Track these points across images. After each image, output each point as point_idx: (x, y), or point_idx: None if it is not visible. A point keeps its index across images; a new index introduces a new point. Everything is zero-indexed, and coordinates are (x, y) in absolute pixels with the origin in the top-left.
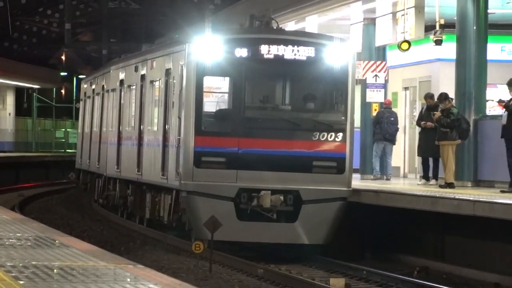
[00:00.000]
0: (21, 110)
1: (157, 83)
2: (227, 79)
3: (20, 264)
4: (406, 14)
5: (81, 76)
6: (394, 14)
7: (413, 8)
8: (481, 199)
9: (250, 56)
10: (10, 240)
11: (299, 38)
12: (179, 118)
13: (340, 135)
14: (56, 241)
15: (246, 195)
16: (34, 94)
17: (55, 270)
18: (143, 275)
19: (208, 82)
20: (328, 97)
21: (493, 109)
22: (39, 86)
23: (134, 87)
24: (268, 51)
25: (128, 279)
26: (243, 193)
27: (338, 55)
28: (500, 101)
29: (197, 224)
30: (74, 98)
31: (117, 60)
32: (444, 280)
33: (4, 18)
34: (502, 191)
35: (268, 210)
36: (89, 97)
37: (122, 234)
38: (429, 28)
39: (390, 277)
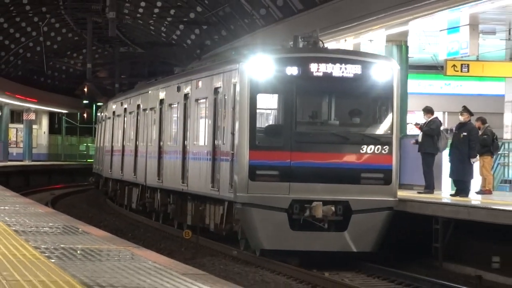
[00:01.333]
0: (53, 129)
1: (203, 101)
2: (279, 96)
3: (52, 247)
4: None
5: (99, 104)
6: None
7: None
8: (403, 199)
9: (300, 74)
10: (44, 228)
11: (346, 57)
12: (233, 133)
13: (387, 147)
14: (79, 229)
15: (298, 206)
16: (63, 117)
17: (78, 251)
18: (144, 255)
19: (261, 99)
20: (375, 111)
21: (412, 130)
22: (67, 111)
23: (176, 105)
24: (318, 69)
25: (133, 258)
26: (295, 204)
27: (384, 72)
28: (416, 124)
29: (252, 233)
30: (94, 120)
31: (154, 82)
32: None
33: (40, 59)
34: (419, 192)
35: (320, 220)
36: (119, 115)
37: (129, 224)
38: None
39: None
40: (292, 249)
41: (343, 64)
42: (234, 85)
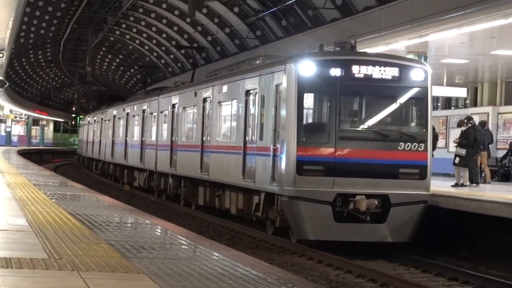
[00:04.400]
0: (55, 129)
1: (228, 103)
2: (323, 95)
3: (53, 193)
4: None
5: (80, 116)
6: None
7: None
8: None
9: (343, 75)
10: (49, 183)
11: (385, 60)
12: (275, 131)
13: (422, 145)
14: (69, 184)
15: (341, 199)
16: (61, 123)
17: (67, 196)
18: (103, 199)
19: (307, 98)
20: (411, 111)
21: None
22: (63, 120)
23: (191, 108)
24: (359, 70)
25: (95, 199)
26: (339, 198)
27: (419, 74)
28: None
29: (298, 225)
30: (78, 125)
31: (161, 91)
32: None
33: (49, 92)
34: None
35: (363, 213)
36: (119, 118)
37: (96, 182)
38: None
39: None
40: (335, 240)
41: (382, 67)
42: (277, 86)
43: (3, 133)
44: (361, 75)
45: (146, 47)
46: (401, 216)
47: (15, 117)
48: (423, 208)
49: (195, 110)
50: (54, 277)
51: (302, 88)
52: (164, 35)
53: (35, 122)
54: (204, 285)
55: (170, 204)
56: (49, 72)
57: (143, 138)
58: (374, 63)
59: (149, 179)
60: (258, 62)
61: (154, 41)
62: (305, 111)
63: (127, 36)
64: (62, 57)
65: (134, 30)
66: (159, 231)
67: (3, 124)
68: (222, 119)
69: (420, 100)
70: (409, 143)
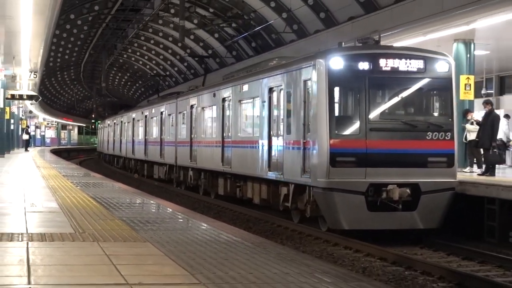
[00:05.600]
0: (79, 132)
1: (249, 101)
2: (353, 88)
3: (78, 182)
4: None
5: (98, 121)
6: None
7: None
8: None
9: (371, 68)
10: (75, 174)
11: (410, 53)
12: (305, 124)
13: (449, 134)
14: (91, 174)
15: (374, 189)
16: (84, 127)
17: (90, 184)
18: (117, 185)
19: (337, 91)
20: (437, 101)
21: None
22: (85, 124)
23: (210, 108)
24: (386, 63)
25: (113, 186)
26: (371, 188)
27: (443, 66)
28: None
29: (332, 215)
30: (97, 128)
31: (176, 95)
32: None
33: (73, 103)
34: None
35: (395, 202)
36: (138, 120)
37: (112, 172)
38: None
39: None
40: (369, 229)
41: (408, 60)
42: (305, 81)
43: (38, 136)
44: (388, 68)
45: (148, 66)
46: (431, 203)
47: (47, 123)
48: (451, 195)
49: (214, 109)
50: (79, 247)
51: (332, 82)
52: (161, 57)
53: (63, 127)
54: (195, 249)
55: (190, 193)
56: (73, 88)
57: (162, 136)
58: (400, 56)
59: (169, 172)
60: (274, 62)
61: (154, 62)
62: (335, 104)
63: (133, 58)
64: (83, 76)
65: (138, 53)
66: (161, 208)
67: (38, 130)
68: (244, 116)
69: (445, 90)
70: (436, 133)
